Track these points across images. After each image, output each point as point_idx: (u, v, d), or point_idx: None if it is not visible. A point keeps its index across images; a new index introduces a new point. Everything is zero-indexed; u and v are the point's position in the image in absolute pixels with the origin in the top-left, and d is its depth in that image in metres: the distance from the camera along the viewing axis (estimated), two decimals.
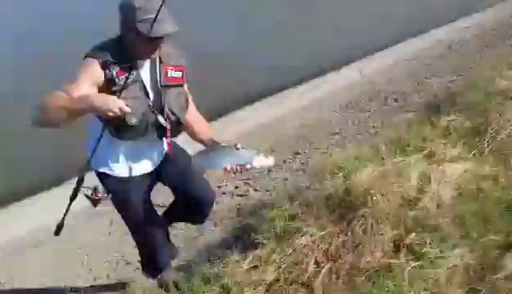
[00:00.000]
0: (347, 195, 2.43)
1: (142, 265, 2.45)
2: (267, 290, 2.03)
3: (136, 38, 1.73)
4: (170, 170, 2.12)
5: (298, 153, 3.99)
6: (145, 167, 2.04)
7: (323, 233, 2.22)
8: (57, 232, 1.95)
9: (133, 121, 1.76)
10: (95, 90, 1.73)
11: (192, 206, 2.25)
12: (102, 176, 2.01)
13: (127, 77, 1.73)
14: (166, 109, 1.88)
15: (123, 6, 1.75)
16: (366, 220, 2.23)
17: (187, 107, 2.00)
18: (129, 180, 2.02)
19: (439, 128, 3.19)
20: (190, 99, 2.04)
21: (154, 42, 1.77)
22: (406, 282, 1.93)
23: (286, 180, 3.49)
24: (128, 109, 1.68)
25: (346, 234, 2.20)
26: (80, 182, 1.85)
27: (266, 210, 2.55)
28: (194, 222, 2.61)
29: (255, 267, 2.12)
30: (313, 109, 5.12)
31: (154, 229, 2.23)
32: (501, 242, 2.11)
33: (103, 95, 1.70)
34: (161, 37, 1.76)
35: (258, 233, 2.28)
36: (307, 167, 3.67)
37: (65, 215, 1.91)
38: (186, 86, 2.01)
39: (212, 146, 1.98)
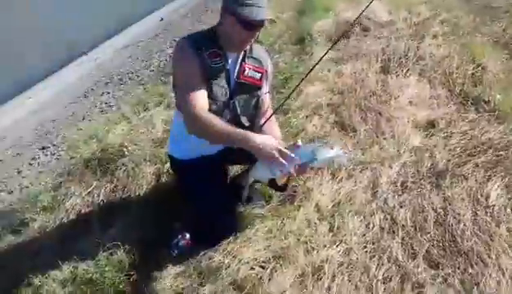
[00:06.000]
0: (104, 154, 2.60)
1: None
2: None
3: (235, 24, 1.71)
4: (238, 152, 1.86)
5: (45, 148, 3.83)
6: (210, 150, 1.97)
7: (90, 189, 2.34)
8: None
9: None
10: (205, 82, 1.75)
11: None
12: (175, 161, 2.09)
13: (218, 61, 1.77)
14: (237, 106, 1.87)
15: None
16: (126, 166, 2.47)
17: (259, 113, 1.95)
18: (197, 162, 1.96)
19: None
20: (266, 106, 1.98)
21: (250, 30, 1.73)
22: None
23: (41, 172, 3.34)
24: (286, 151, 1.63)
25: (112, 182, 2.38)
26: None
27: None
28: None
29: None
30: (52, 105, 4.93)
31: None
32: None
33: (264, 139, 1.65)
34: (258, 25, 1.73)
35: (25, 214, 2.23)
36: (59, 155, 3.59)
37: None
38: (264, 91, 1.95)
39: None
